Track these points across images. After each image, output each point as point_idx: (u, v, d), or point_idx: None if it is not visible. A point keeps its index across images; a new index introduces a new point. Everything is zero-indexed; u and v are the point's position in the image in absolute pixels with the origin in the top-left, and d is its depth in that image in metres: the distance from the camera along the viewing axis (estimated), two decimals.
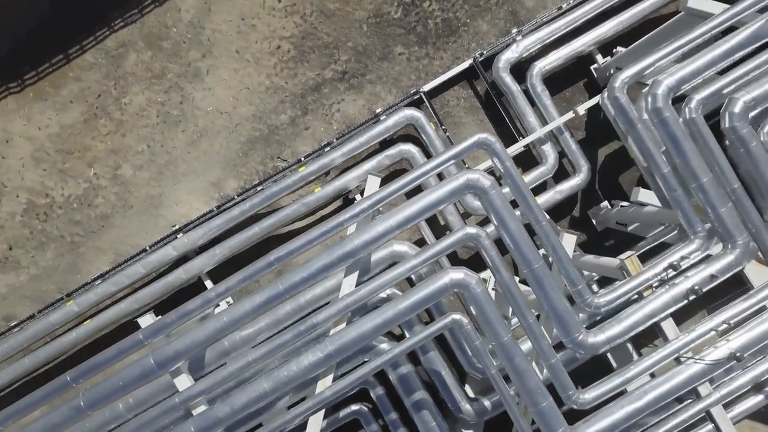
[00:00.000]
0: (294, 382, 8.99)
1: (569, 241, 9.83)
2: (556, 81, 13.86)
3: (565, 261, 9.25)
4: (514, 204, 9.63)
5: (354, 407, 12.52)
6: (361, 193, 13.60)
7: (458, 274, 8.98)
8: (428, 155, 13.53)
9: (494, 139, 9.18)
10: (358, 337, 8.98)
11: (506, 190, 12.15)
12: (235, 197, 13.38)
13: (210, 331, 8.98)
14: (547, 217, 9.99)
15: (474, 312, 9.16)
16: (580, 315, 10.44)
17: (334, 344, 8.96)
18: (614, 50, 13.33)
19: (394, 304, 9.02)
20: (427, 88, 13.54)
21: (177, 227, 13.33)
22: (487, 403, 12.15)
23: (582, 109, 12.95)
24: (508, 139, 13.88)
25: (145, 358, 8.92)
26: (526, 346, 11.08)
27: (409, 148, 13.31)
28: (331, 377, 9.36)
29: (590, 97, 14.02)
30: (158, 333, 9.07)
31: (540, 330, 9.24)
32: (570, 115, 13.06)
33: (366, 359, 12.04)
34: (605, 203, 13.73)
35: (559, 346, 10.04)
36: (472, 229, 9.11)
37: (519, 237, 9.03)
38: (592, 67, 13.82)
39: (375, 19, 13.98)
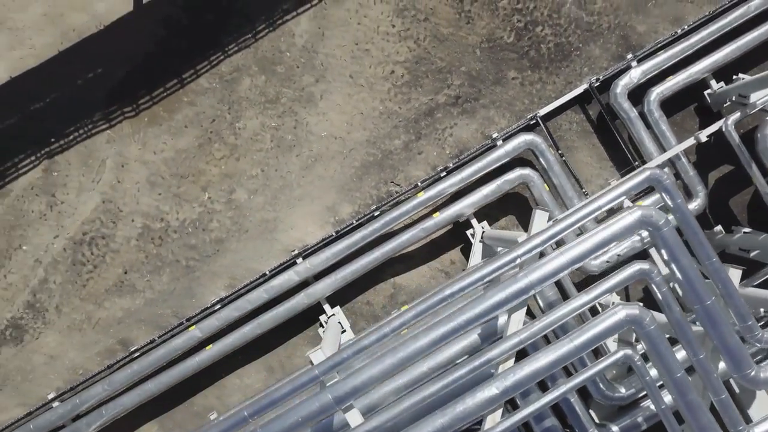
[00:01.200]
0: (469, 417, 9.03)
1: (735, 275, 9.87)
2: (665, 105, 13.86)
3: (735, 296, 9.30)
4: None
5: None
6: (477, 217, 13.68)
7: (633, 310, 9.02)
8: (546, 180, 13.55)
9: (666, 176, 9.22)
10: (533, 374, 9.03)
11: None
12: (353, 221, 13.43)
13: (387, 367, 9.03)
14: None
15: (646, 347, 9.19)
16: None
17: (509, 380, 9.00)
18: (734, 77, 13.37)
19: (567, 341, 9.06)
20: (543, 112, 13.60)
21: (296, 252, 13.38)
22: (615, 428, 12.21)
23: (704, 135, 12.96)
24: (621, 164, 14.03)
25: (323, 393, 8.95)
26: None
27: (529, 172, 13.36)
28: (500, 413, 9.40)
29: (701, 122, 14.15)
30: (334, 369, 9.10)
31: (710, 366, 9.27)
32: (691, 141, 13.08)
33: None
34: (719, 227, 13.77)
35: None
36: (645, 265, 9.14)
37: (691, 273, 9.10)
38: (705, 93, 13.84)
39: (488, 43, 14.01)
